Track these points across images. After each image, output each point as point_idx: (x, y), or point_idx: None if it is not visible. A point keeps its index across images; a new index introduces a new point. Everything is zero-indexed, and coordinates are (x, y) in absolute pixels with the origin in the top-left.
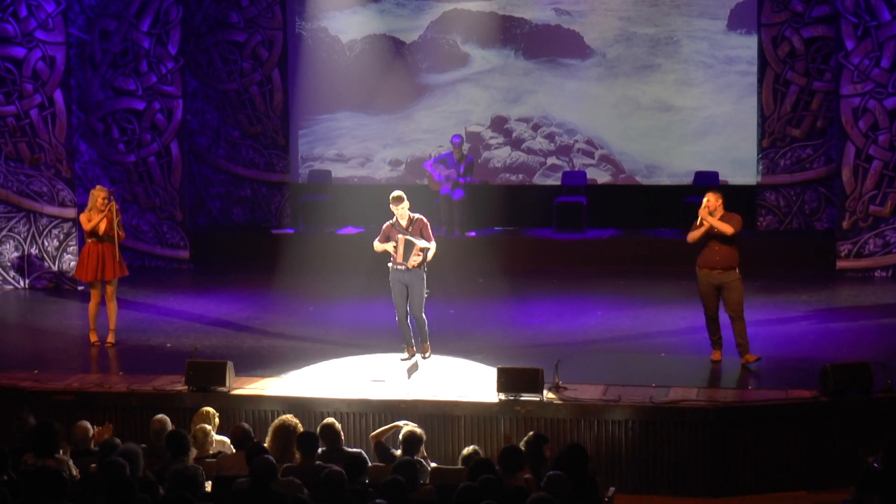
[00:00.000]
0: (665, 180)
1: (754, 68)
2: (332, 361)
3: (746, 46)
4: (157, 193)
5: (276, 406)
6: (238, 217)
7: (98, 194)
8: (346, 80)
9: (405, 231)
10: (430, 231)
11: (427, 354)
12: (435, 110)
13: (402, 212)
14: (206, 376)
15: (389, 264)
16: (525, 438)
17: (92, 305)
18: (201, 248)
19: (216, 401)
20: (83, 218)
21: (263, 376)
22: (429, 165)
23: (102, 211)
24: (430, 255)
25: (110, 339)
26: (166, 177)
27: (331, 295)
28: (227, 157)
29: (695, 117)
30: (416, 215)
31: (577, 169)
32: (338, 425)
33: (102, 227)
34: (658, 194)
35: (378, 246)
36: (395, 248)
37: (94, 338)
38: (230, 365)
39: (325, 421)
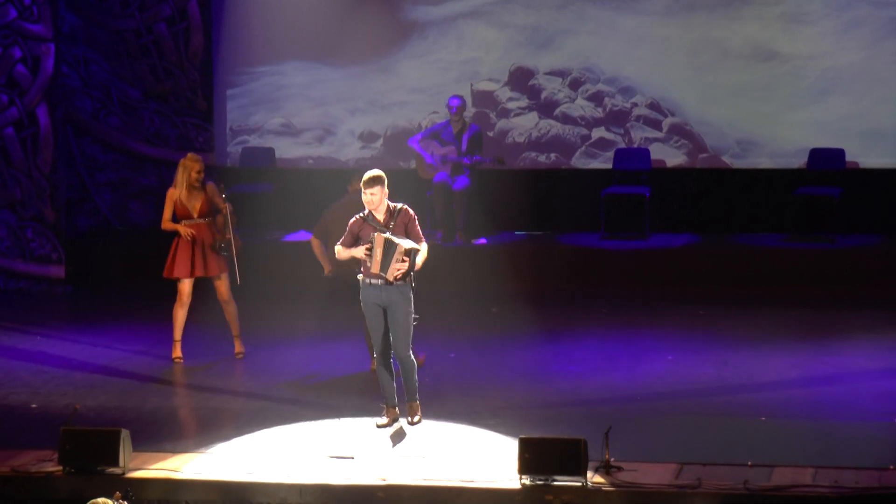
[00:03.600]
0: (765, 162)
1: None
2: (276, 429)
3: None
4: (19, 182)
5: (195, 494)
6: (137, 217)
7: (192, 166)
8: (297, 16)
9: (383, 228)
10: (418, 227)
11: (416, 419)
12: (427, 60)
13: (379, 200)
14: (91, 451)
15: (360, 277)
16: None
17: (179, 309)
18: (83, 262)
19: (105, 487)
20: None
21: (176, 451)
22: (416, 142)
23: (196, 188)
24: (419, 262)
25: (239, 347)
26: (31, 158)
27: (273, 331)
28: (121, 129)
29: (809, 70)
30: (399, 205)
31: (636, 146)
32: None
33: (198, 208)
34: (756, 183)
35: (342, 251)
36: (369, 252)
37: (177, 352)
38: (125, 434)
39: None
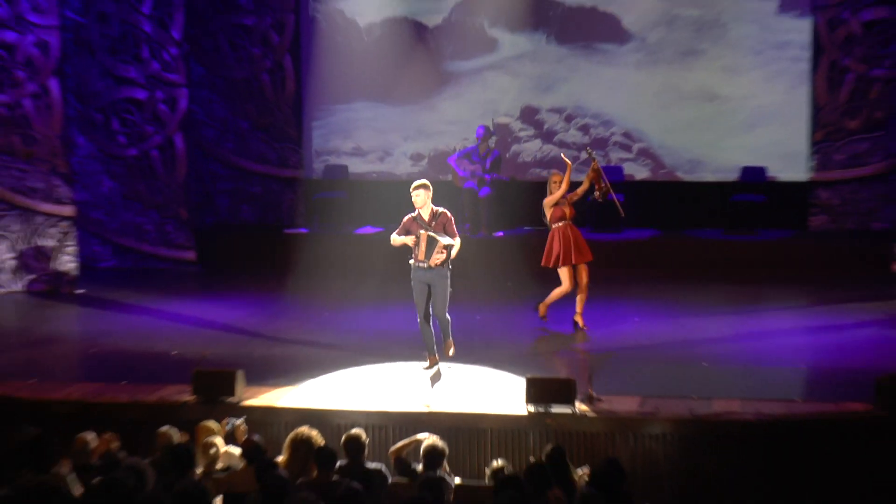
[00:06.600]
0: (709, 176)
1: (808, 54)
2: (348, 370)
3: (799, 30)
4: (161, 190)
5: (289, 417)
6: (247, 216)
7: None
8: (364, 66)
9: (427, 226)
10: (454, 227)
11: (451, 351)
12: (460, 100)
13: (425, 204)
14: (215, 386)
15: (410, 261)
16: (545, 452)
17: (561, 292)
18: (208, 249)
19: (225, 412)
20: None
21: (276, 386)
22: (452, 161)
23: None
24: (454, 253)
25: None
26: (170, 172)
27: (347, 299)
28: (235, 151)
29: (742, 107)
30: (440, 209)
31: (613, 164)
32: (364, 437)
33: (569, 213)
34: (701, 191)
35: (396, 239)
36: (416, 243)
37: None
38: (240, 374)
39: (351, 431)
